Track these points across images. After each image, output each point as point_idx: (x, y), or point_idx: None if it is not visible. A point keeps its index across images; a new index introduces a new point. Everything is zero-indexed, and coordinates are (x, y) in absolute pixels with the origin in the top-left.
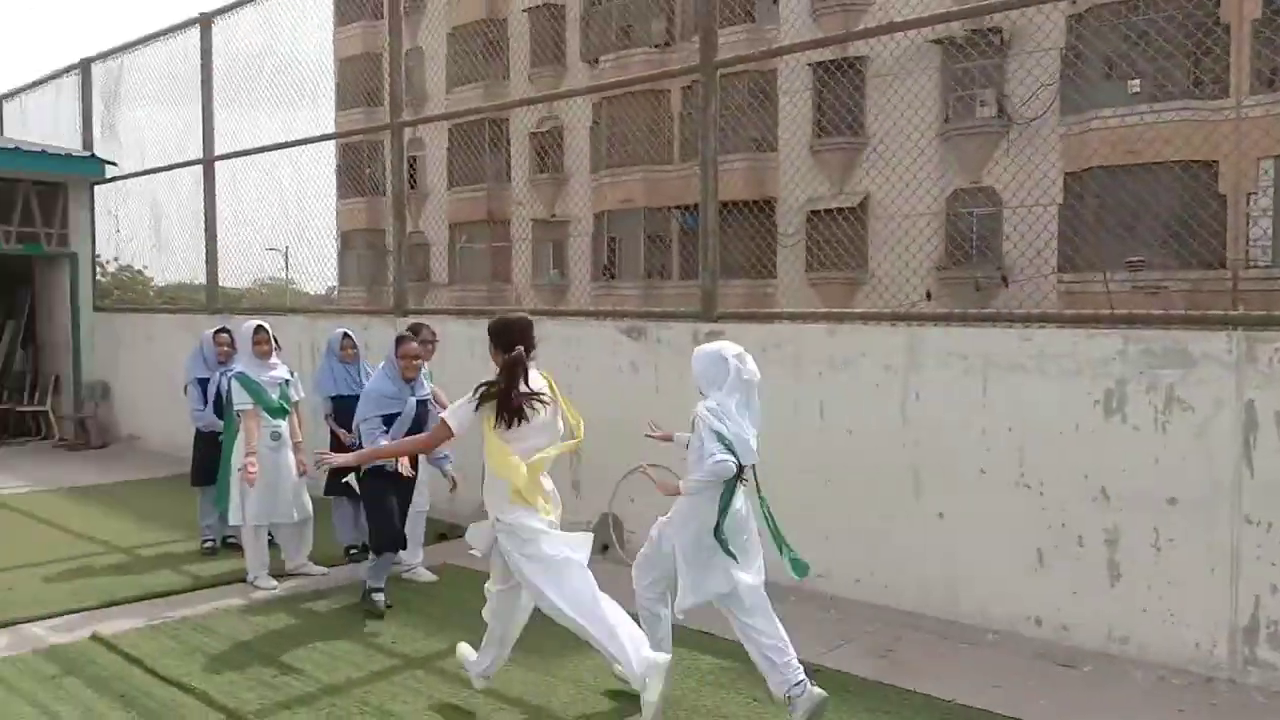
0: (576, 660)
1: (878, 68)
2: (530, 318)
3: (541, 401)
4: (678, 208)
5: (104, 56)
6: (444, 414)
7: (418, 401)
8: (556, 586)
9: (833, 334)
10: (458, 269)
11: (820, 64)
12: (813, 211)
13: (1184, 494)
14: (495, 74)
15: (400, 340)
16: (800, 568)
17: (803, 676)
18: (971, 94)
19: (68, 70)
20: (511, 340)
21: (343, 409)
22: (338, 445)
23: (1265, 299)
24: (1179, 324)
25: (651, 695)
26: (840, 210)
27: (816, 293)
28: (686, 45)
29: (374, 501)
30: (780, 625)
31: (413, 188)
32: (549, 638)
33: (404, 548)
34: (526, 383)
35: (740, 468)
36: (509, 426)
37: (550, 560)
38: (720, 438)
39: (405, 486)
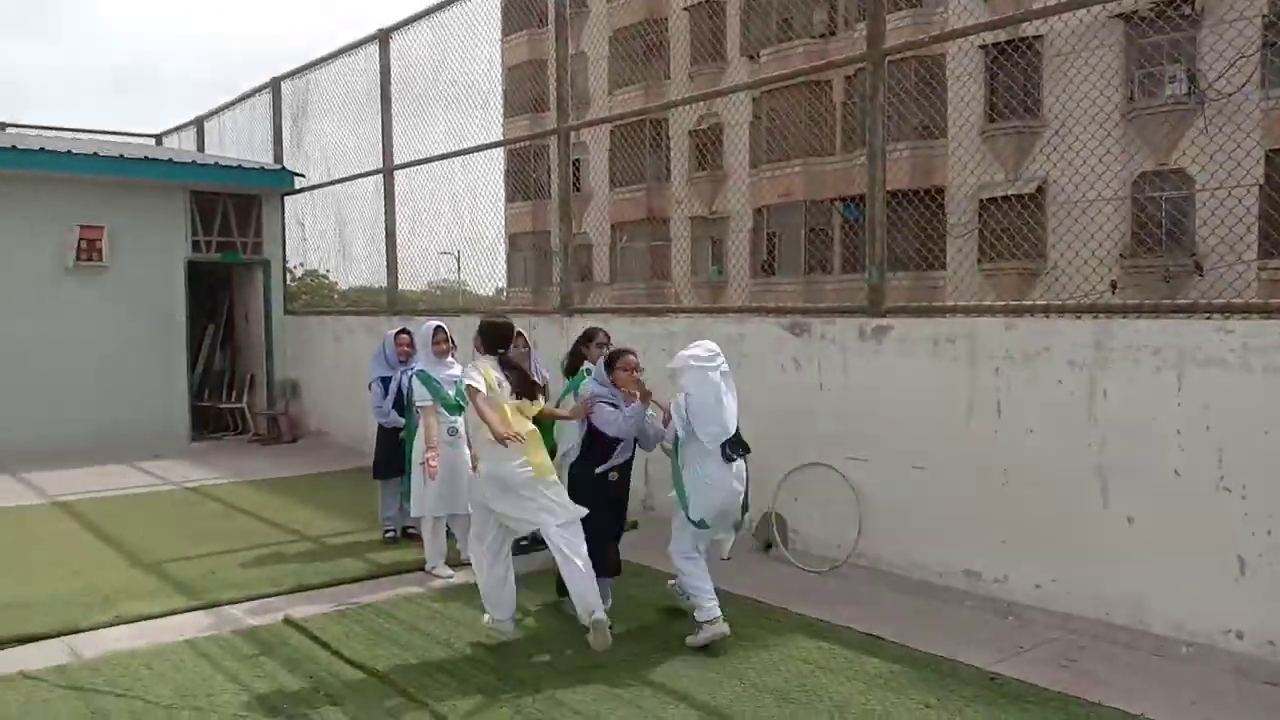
0: (741, 658)
1: (1056, 47)
2: (510, 323)
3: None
4: (840, 199)
5: (292, 75)
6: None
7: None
8: None
9: (1011, 328)
10: (618, 268)
11: (993, 45)
12: (985, 199)
13: None
14: (656, 74)
15: (617, 355)
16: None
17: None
18: (1160, 70)
19: (260, 89)
20: (499, 339)
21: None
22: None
23: None
24: None
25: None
26: (1016, 197)
27: (990, 285)
28: (848, 34)
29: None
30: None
31: (577, 190)
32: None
33: (618, 573)
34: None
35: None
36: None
37: None
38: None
39: (619, 500)
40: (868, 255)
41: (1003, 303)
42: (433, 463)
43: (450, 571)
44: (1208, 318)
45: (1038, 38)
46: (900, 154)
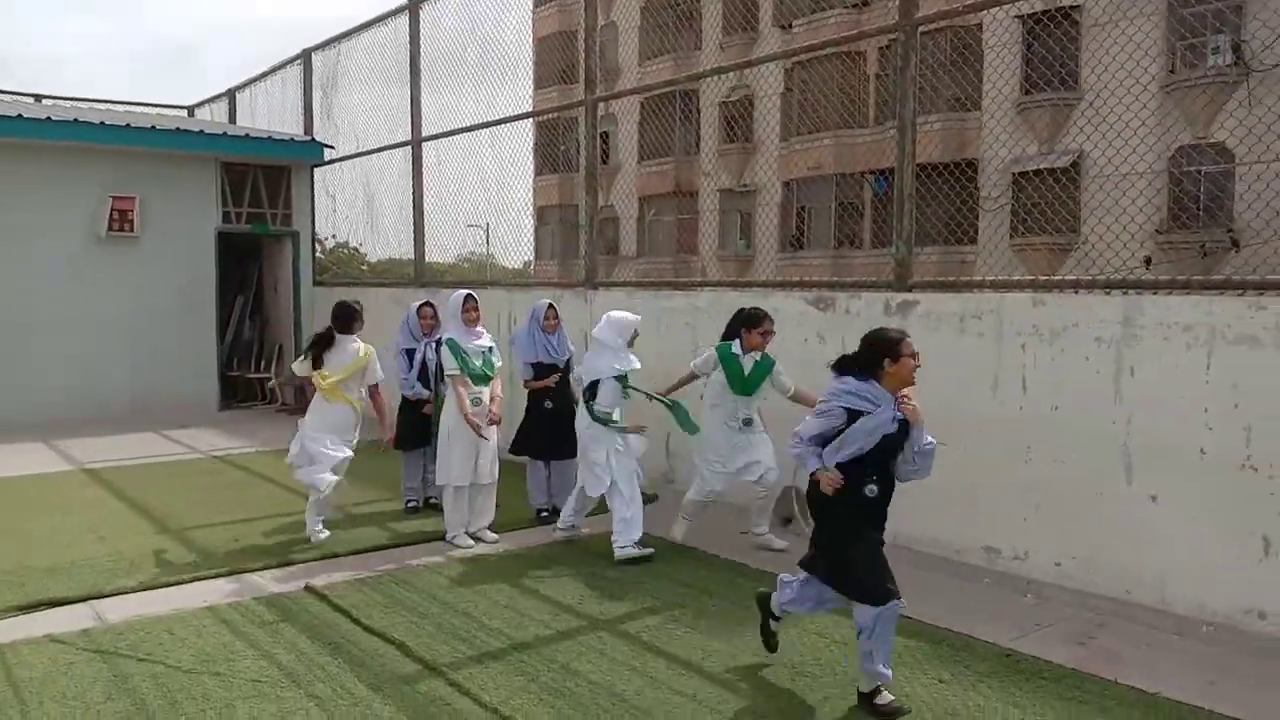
0: (756, 631)
1: (1095, 16)
2: (354, 306)
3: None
4: (871, 173)
5: (323, 46)
6: None
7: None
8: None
9: (1039, 303)
10: (646, 242)
11: (1030, 15)
12: (1019, 173)
13: None
14: (687, 45)
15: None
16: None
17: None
18: (1203, 40)
19: (291, 61)
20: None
21: (541, 376)
22: (535, 407)
23: None
24: None
25: None
26: (1050, 171)
27: (1021, 260)
28: (883, 4)
29: (850, 538)
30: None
31: (604, 162)
32: (735, 606)
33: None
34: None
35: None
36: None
37: None
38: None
39: (878, 517)
40: (895, 229)
41: (1030, 278)
42: (474, 421)
43: (471, 542)
44: (1240, 294)
45: (1075, 7)
46: (931, 126)
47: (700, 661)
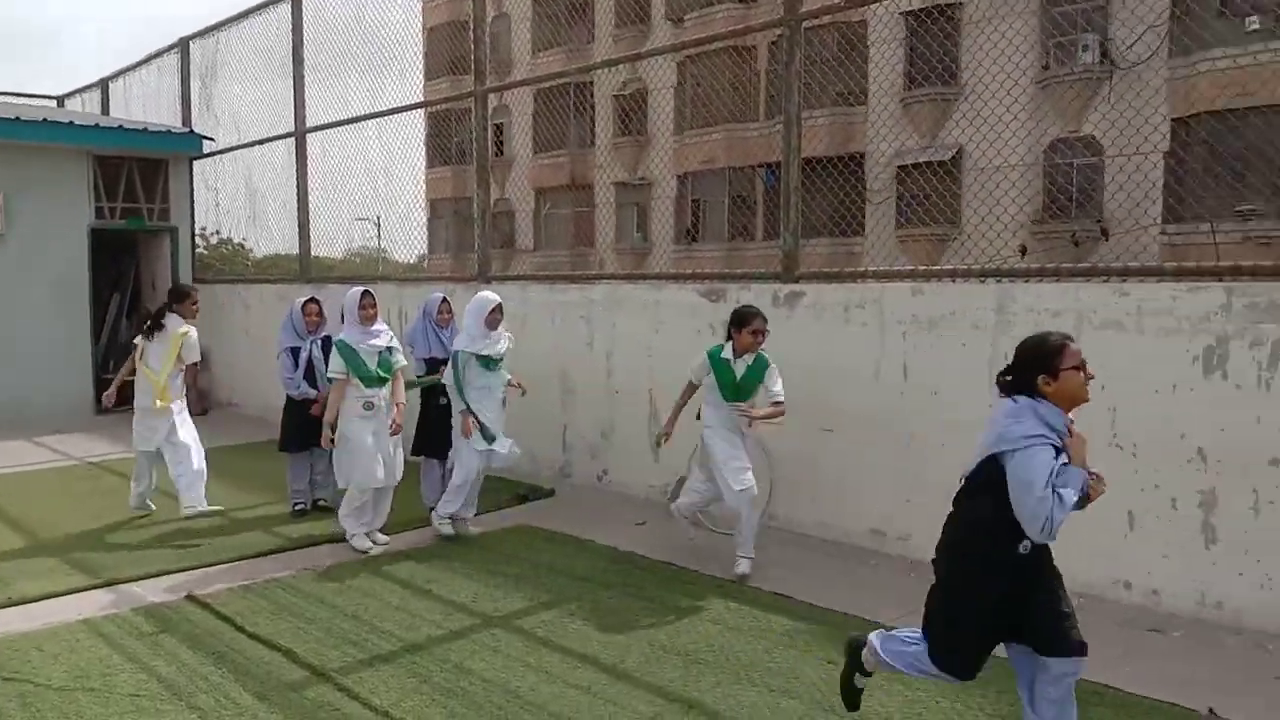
0: (651, 621)
1: (972, 13)
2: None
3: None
4: (762, 166)
5: (201, 35)
6: None
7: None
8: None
9: (918, 293)
10: (542, 235)
11: (913, 12)
12: (902, 166)
13: None
14: (580, 38)
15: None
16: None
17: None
18: (1073, 39)
19: (168, 50)
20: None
21: (434, 371)
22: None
23: None
24: None
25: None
26: (931, 164)
27: (906, 250)
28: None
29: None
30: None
31: (499, 155)
32: (631, 598)
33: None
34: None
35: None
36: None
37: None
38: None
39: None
40: (782, 222)
41: (910, 268)
42: (326, 440)
43: (370, 544)
44: (1105, 281)
45: (956, 4)
46: (819, 121)
47: (596, 654)
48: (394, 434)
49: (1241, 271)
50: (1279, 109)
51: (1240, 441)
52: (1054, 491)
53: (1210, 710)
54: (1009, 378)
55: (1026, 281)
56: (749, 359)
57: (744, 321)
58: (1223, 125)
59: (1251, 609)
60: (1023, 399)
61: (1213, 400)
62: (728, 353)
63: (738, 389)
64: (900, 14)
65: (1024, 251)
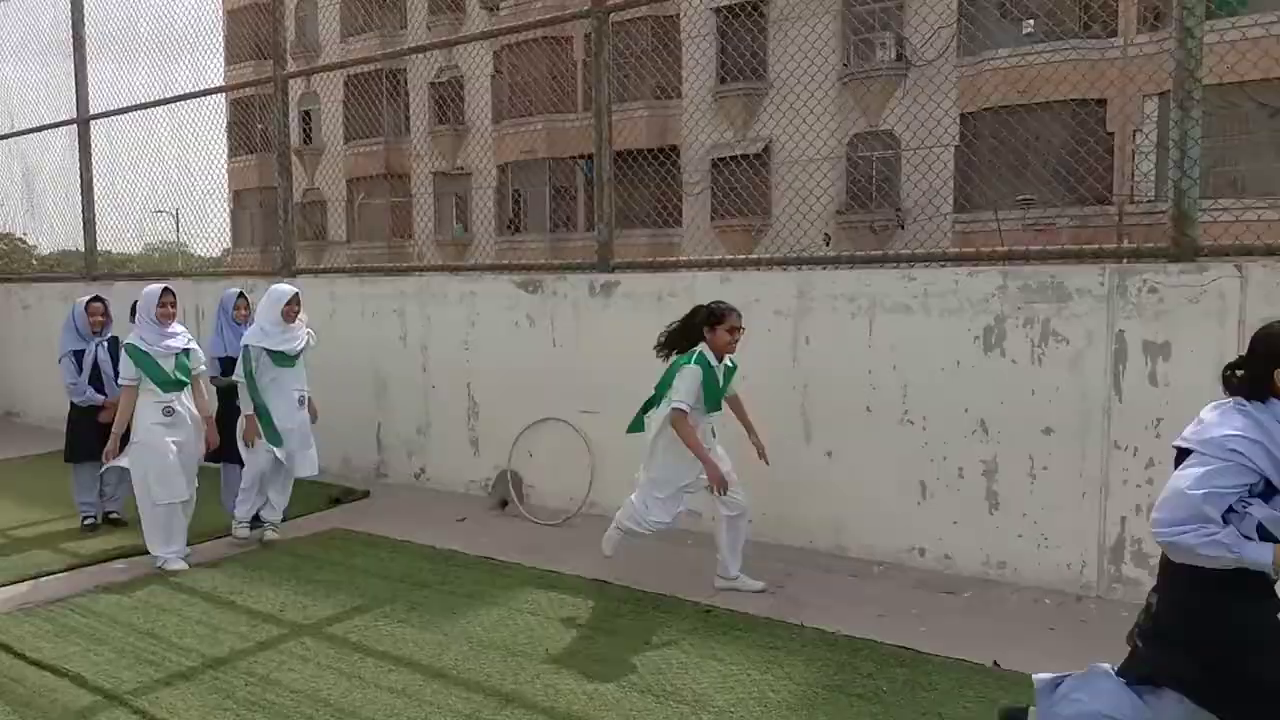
0: (470, 617)
1: (780, 11)
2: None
3: None
4: (582, 157)
5: None
6: None
7: None
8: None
9: (726, 281)
10: (356, 226)
11: (723, 9)
12: (717, 159)
13: (1058, 423)
14: (392, 23)
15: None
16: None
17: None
18: (871, 37)
19: None
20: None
21: (228, 371)
22: (228, 408)
23: (1148, 233)
24: (1056, 259)
25: None
26: (744, 157)
27: (722, 241)
28: None
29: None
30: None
31: (307, 143)
32: (449, 595)
33: None
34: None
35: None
36: None
37: None
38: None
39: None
40: (596, 213)
41: (718, 258)
42: (110, 457)
43: (182, 564)
44: (895, 267)
45: (764, 1)
46: (636, 113)
47: (411, 655)
48: (209, 448)
49: (1015, 256)
50: (1053, 106)
51: (1017, 413)
52: (1219, 524)
53: (995, 663)
54: (1239, 371)
55: (824, 269)
56: (728, 361)
57: (719, 318)
58: (1006, 120)
59: (1029, 568)
60: (1239, 407)
61: (992, 375)
62: (711, 358)
63: (718, 395)
64: (710, 10)
65: (828, 240)
